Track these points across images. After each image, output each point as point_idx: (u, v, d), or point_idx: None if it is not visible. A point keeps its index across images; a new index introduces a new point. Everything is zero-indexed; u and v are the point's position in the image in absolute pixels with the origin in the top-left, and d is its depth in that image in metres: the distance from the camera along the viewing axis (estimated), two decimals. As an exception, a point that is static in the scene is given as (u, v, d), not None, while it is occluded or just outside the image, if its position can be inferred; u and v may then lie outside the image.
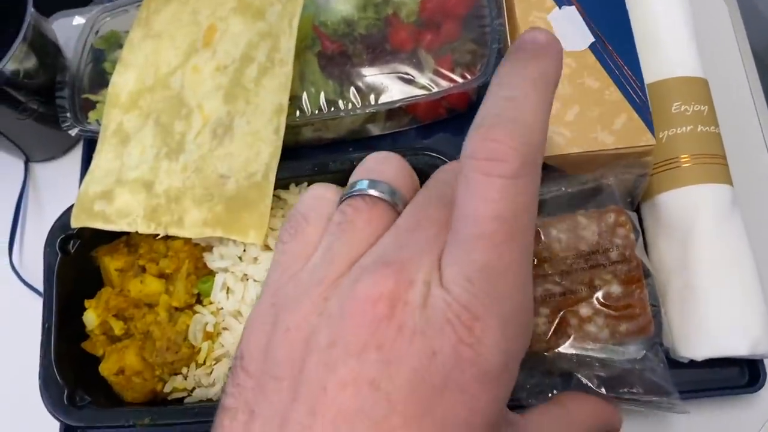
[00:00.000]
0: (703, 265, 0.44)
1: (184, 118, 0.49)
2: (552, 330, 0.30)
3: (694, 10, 0.50)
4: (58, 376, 0.45)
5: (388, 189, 0.25)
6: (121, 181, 0.48)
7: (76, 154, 0.60)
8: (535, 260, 0.30)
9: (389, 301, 0.21)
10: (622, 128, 0.45)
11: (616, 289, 0.30)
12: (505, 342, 0.21)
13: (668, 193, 0.47)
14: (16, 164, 0.60)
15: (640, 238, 0.31)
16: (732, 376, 0.46)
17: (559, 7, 0.48)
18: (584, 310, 0.30)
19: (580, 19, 0.47)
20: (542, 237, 0.31)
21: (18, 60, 0.51)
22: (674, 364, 0.43)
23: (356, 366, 0.20)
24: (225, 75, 0.50)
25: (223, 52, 0.50)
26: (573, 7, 0.48)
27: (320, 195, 0.27)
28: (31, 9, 0.50)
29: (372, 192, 0.25)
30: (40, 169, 0.60)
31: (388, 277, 0.22)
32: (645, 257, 0.32)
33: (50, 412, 0.44)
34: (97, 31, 0.56)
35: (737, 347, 0.42)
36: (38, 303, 0.50)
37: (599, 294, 0.30)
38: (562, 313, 0.30)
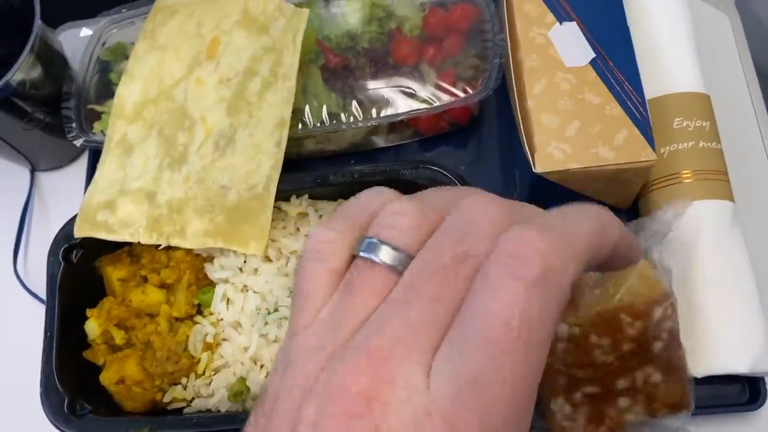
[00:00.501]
0: (704, 282, 0.44)
1: (187, 129, 0.49)
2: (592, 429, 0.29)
3: (696, 26, 0.50)
4: (59, 385, 0.45)
5: (392, 254, 0.23)
6: (124, 192, 0.48)
7: (82, 164, 0.60)
8: (572, 370, 0.28)
9: (365, 399, 0.20)
10: (622, 144, 0.45)
11: (657, 377, 0.28)
12: None
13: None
14: (22, 173, 0.60)
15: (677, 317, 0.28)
16: (732, 394, 0.46)
17: (560, 23, 0.48)
18: (623, 403, 0.28)
19: (581, 34, 0.47)
20: (580, 343, 0.27)
21: (25, 71, 0.51)
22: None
23: None
24: (228, 88, 0.50)
25: (227, 65, 0.51)
26: (574, 23, 0.48)
27: (331, 239, 0.25)
28: (38, 21, 0.51)
29: (374, 258, 0.23)
30: (45, 178, 0.61)
31: (366, 370, 0.20)
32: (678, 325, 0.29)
33: (51, 421, 0.45)
34: (104, 43, 0.57)
35: (738, 365, 0.42)
36: (41, 311, 0.51)
37: (639, 383, 0.28)
38: (600, 408, 0.29)
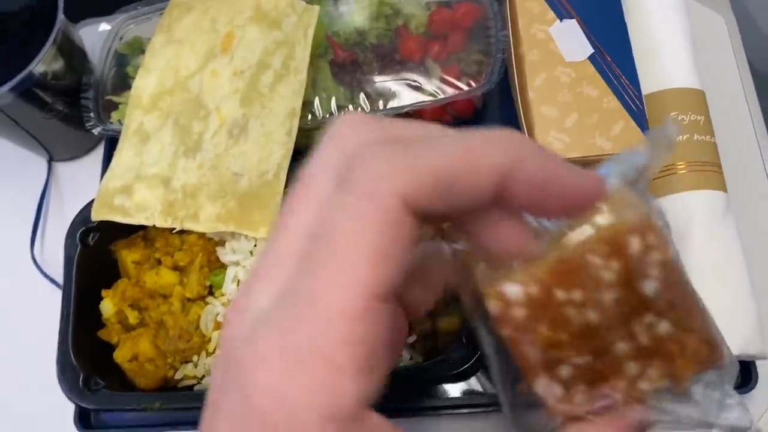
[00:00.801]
0: (697, 266, 0.46)
1: (202, 119, 0.52)
2: (593, 411, 0.23)
3: (692, 25, 0.52)
4: (74, 361, 0.47)
5: None
6: (141, 177, 0.50)
7: (97, 155, 0.62)
8: (543, 339, 0.22)
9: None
10: (619, 134, 0.47)
11: (664, 327, 0.22)
12: None
13: (664, 199, 0.48)
14: (40, 163, 0.62)
15: (674, 244, 0.22)
16: (725, 377, 0.47)
17: (561, 20, 0.50)
18: (630, 369, 0.22)
19: (580, 31, 0.49)
20: (544, 303, 0.22)
21: (47, 62, 0.53)
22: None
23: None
24: (242, 80, 0.52)
25: (240, 59, 0.53)
26: (573, 20, 0.50)
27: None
28: (61, 16, 0.53)
29: None
30: (62, 168, 0.63)
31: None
32: (684, 269, 0.23)
33: (66, 396, 0.46)
34: (122, 37, 0.59)
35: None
36: (57, 295, 0.52)
37: (643, 341, 0.22)
38: (603, 381, 0.23)
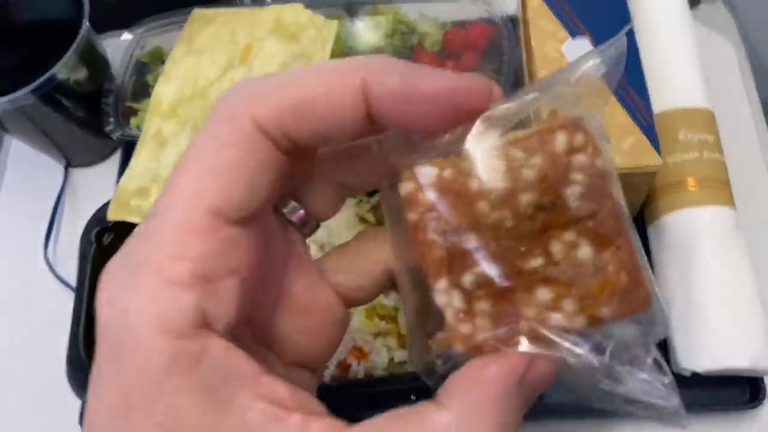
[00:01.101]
0: (706, 281, 0.46)
1: (219, 125, 0.53)
2: (495, 336, 0.20)
3: (701, 45, 0.54)
4: (84, 358, 0.47)
5: None
6: (158, 180, 0.51)
7: (113, 163, 0.63)
8: (450, 229, 0.20)
9: None
10: (630, 149, 0.47)
11: (585, 252, 0.20)
12: None
13: (673, 214, 0.49)
14: (56, 169, 0.63)
15: (615, 173, 0.21)
16: (733, 393, 0.47)
17: (573, 38, 0.51)
18: (542, 294, 0.20)
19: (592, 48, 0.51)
20: (457, 191, 0.20)
21: (69, 67, 0.55)
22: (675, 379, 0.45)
23: None
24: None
25: (258, 69, 0.54)
26: (586, 38, 0.51)
27: None
28: (86, 23, 0.55)
29: None
30: (78, 174, 0.64)
31: None
32: (622, 198, 0.21)
33: (75, 392, 0.46)
34: (143, 47, 0.61)
35: (739, 359, 0.44)
36: (69, 298, 0.53)
37: (562, 265, 0.20)
38: (510, 305, 0.20)
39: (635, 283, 0.20)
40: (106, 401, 0.20)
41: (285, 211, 0.25)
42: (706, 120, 0.52)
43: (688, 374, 0.45)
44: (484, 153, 0.20)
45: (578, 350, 0.20)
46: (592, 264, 0.20)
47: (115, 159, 0.64)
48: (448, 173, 0.20)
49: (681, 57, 0.53)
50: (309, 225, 0.26)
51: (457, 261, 0.20)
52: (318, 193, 0.25)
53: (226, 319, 0.21)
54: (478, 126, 0.21)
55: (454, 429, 0.19)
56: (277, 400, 0.20)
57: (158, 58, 0.60)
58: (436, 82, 0.21)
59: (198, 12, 0.59)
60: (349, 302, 0.26)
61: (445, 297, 0.20)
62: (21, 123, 0.56)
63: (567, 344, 0.20)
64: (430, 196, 0.20)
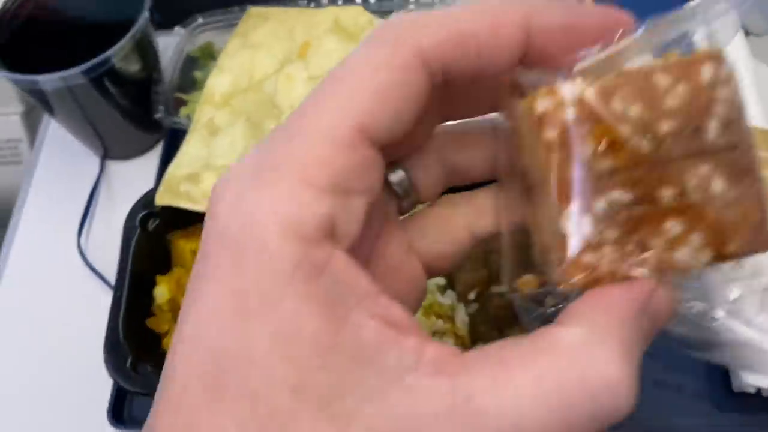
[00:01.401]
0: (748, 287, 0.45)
1: (275, 117, 0.52)
2: (618, 268, 0.20)
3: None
4: (123, 342, 0.45)
5: None
6: (209, 166, 0.50)
7: (151, 158, 0.62)
8: (588, 155, 0.20)
9: None
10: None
11: (719, 185, 0.20)
12: None
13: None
14: (93, 160, 0.62)
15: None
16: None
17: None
18: (672, 226, 0.20)
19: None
20: (599, 111, 0.19)
21: (122, 54, 0.54)
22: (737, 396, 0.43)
23: None
24: (317, 83, 0.53)
25: (316, 65, 0.54)
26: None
27: None
28: (146, 13, 0.54)
29: None
30: (114, 167, 0.62)
31: None
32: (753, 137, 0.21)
33: (112, 377, 0.44)
34: (194, 43, 0.60)
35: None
36: (101, 290, 0.53)
37: (695, 196, 0.20)
38: (638, 236, 0.20)
39: (762, 222, 0.20)
40: (213, 308, 0.18)
41: (392, 177, 0.24)
42: (766, 139, 0.52)
43: (752, 390, 0.44)
44: (628, 77, 0.20)
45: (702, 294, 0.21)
46: (724, 198, 0.20)
47: (151, 155, 0.63)
48: (589, 93, 0.20)
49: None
50: (409, 199, 0.25)
51: (590, 185, 0.19)
52: (425, 170, 0.25)
53: (352, 235, 0.20)
54: (622, 49, 0.20)
55: (587, 345, 0.18)
56: (393, 322, 0.19)
57: (208, 53, 0.60)
58: (593, 16, 0.21)
59: (254, 10, 0.59)
60: (430, 271, 0.25)
61: (575, 222, 0.20)
62: (68, 104, 0.55)
63: (692, 286, 0.21)
64: (569, 113, 0.20)
